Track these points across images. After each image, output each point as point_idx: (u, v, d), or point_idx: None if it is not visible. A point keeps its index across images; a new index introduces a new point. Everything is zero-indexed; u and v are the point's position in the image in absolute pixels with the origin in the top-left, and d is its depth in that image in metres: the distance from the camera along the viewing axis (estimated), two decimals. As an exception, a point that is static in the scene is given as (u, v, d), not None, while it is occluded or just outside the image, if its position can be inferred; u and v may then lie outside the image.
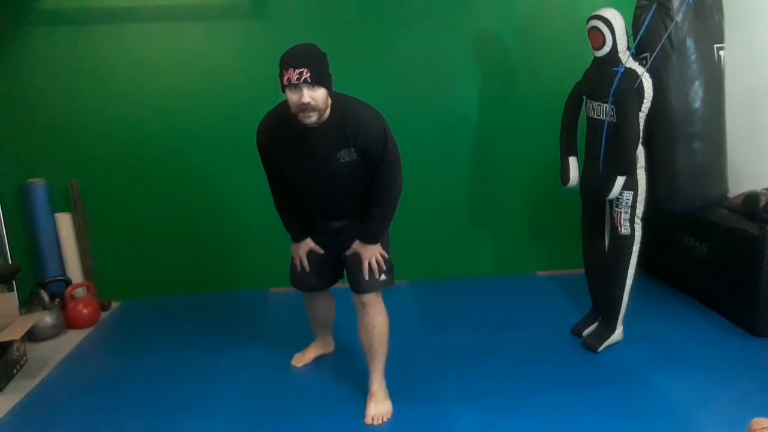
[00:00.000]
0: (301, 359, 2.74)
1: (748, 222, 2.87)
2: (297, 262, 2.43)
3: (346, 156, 2.10)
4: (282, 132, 2.13)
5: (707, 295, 3.22)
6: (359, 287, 2.29)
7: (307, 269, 2.40)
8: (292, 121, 2.02)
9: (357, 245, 2.26)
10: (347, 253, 2.30)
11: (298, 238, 2.40)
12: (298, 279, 2.49)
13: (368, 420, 2.28)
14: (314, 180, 2.19)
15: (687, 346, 2.82)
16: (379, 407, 2.31)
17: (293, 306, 3.32)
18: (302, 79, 1.89)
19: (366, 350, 2.38)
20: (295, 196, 2.32)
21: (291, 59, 1.92)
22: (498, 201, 3.80)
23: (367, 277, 2.24)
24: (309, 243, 2.39)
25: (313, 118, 1.97)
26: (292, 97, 1.94)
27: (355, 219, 2.29)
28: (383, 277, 2.30)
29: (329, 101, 2.03)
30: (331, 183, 2.19)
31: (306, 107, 1.93)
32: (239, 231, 3.67)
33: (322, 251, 2.39)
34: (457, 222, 3.80)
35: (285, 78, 1.92)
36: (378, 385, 2.37)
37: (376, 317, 2.31)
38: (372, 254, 2.25)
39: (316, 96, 1.93)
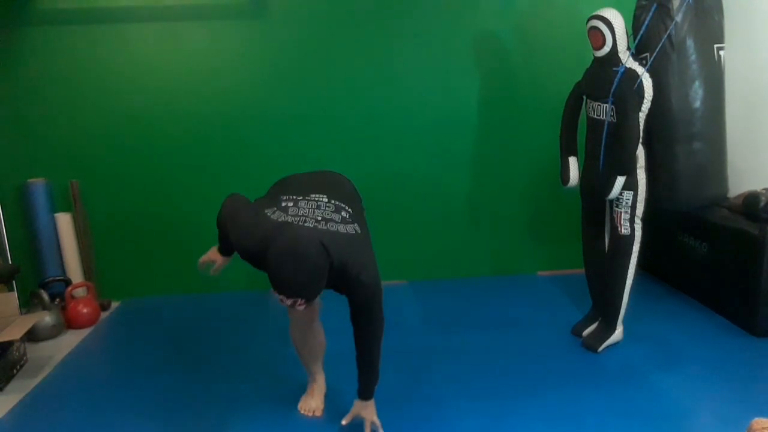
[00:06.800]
0: (317, 407, 2.40)
1: (748, 222, 2.87)
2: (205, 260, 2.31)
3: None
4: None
5: (707, 295, 3.22)
6: None
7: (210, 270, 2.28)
8: None
9: (358, 407, 2.14)
10: (344, 422, 2.15)
11: (227, 252, 2.30)
12: None
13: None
14: None
15: (687, 346, 2.82)
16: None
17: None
18: (297, 305, 1.79)
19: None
20: None
21: (283, 288, 1.75)
22: (498, 201, 3.80)
23: None
24: (227, 259, 2.30)
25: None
26: (284, 303, 1.81)
27: None
28: None
29: None
30: None
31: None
32: (239, 231, 3.66)
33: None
34: (457, 222, 3.80)
35: (278, 297, 1.79)
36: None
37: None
38: (372, 416, 2.14)
39: (312, 305, 1.92)
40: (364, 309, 1.98)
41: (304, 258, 1.74)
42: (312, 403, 2.41)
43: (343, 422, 2.15)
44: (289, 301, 1.77)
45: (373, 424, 2.13)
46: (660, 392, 2.43)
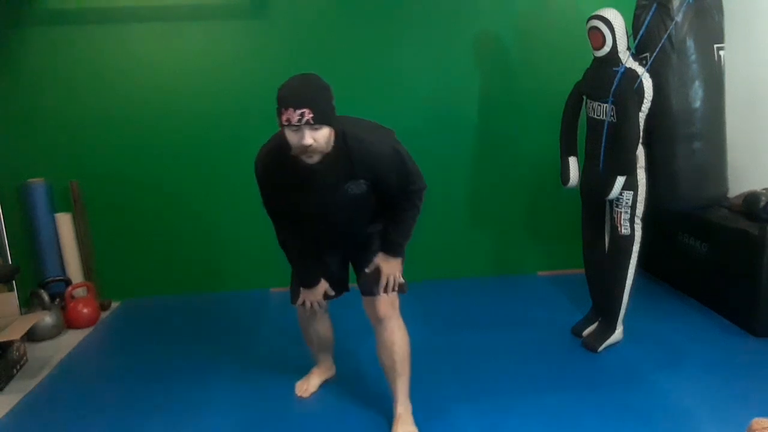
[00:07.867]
0: (307, 388, 2.52)
1: (748, 222, 2.87)
2: (309, 306, 2.21)
3: (354, 188, 1.96)
4: (282, 169, 1.94)
5: (707, 295, 3.22)
6: (373, 289, 2.15)
7: (320, 308, 2.18)
8: (292, 157, 1.83)
9: (380, 259, 2.08)
10: (367, 270, 2.10)
11: (311, 283, 2.18)
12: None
13: None
14: (320, 214, 2.06)
15: (687, 346, 2.82)
16: (407, 430, 2.18)
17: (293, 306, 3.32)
18: (304, 121, 1.71)
19: (387, 371, 2.21)
20: (300, 230, 2.14)
21: (290, 98, 1.72)
22: (498, 201, 3.80)
23: (382, 292, 2.07)
24: (323, 286, 2.19)
25: (315, 158, 1.81)
26: (292, 137, 1.76)
27: (366, 233, 2.16)
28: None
29: (332, 136, 1.84)
30: (338, 215, 2.06)
31: (308, 149, 1.76)
32: (240, 231, 3.67)
33: (333, 293, 2.23)
34: (457, 222, 3.80)
35: (284, 118, 1.73)
36: (404, 408, 2.22)
37: (395, 333, 2.16)
38: (393, 271, 2.09)
39: (318, 137, 1.75)
40: (396, 180, 1.98)
41: (310, 77, 1.81)
42: (304, 384, 2.51)
43: (366, 270, 2.05)
44: (296, 116, 1.70)
45: (391, 277, 2.04)
46: (660, 392, 2.43)
